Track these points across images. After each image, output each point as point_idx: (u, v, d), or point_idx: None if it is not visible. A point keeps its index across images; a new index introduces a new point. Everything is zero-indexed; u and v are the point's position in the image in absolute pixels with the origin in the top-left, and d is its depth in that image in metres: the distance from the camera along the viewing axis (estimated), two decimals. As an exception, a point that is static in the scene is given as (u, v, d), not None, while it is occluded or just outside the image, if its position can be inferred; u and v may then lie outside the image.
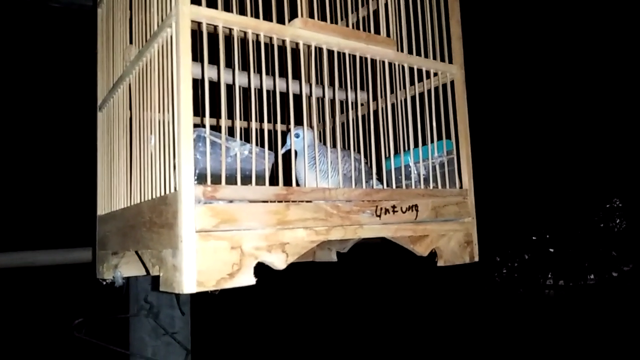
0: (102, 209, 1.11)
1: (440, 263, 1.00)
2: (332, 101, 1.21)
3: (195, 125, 0.75)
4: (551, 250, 10.39)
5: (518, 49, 7.22)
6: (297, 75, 1.19)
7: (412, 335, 6.28)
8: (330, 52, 0.92)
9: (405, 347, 5.87)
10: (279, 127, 1.11)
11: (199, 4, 0.76)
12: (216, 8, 0.77)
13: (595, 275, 10.03)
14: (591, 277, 10.08)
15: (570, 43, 7.27)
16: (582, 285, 9.98)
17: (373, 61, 0.97)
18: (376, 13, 1.03)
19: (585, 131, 8.56)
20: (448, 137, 1.07)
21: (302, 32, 0.85)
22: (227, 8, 0.80)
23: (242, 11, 0.81)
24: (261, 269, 0.77)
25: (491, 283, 10.39)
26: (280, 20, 0.84)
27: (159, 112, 0.78)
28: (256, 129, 1.22)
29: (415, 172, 1.03)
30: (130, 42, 0.95)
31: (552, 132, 8.68)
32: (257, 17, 0.81)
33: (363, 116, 1.16)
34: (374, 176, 0.97)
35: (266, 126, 0.81)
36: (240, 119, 1.20)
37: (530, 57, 7.43)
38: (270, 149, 1.00)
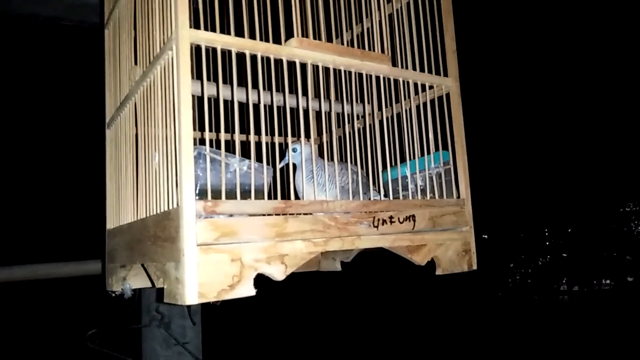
0: (110, 223, 1.14)
1: (438, 272, 1.01)
2: (329, 114, 1.24)
3: (201, 142, 0.78)
4: (565, 255, 10.28)
5: (516, 56, 7.22)
6: (294, 90, 1.22)
7: (424, 344, 6.24)
8: (327, 68, 0.95)
9: (416, 355, 5.84)
10: (277, 139, 1.14)
11: (198, 25, 0.80)
12: (215, 29, 0.81)
13: (610, 280, 9.90)
14: (606, 282, 9.95)
15: (568, 48, 7.25)
16: (597, 290, 9.85)
17: (369, 76, 1.00)
18: (371, 30, 1.06)
19: (598, 135, 8.50)
20: (445, 148, 1.09)
21: (298, 51, 0.88)
22: (225, 22, 0.83)
23: (238, 30, 0.84)
24: (268, 279, 0.80)
25: (505, 289, 10.30)
26: (277, 40, 0.87)
27: (162, 130, 0.81)
28: (255, 142, 1.25)
29: (413, 183, 1.05)
30: (135, 63, 0.99)
31: (564, 136, 8.62)
32: (253, 35, 0.84)
33: (361, 129, 1.18)
34: (371, 187, 0.99)
35: (263, 139, 0.83)
36: (241, 133, 1.23)
37: (528, 63, 7.42)
38: (269, 161, 1.03)
